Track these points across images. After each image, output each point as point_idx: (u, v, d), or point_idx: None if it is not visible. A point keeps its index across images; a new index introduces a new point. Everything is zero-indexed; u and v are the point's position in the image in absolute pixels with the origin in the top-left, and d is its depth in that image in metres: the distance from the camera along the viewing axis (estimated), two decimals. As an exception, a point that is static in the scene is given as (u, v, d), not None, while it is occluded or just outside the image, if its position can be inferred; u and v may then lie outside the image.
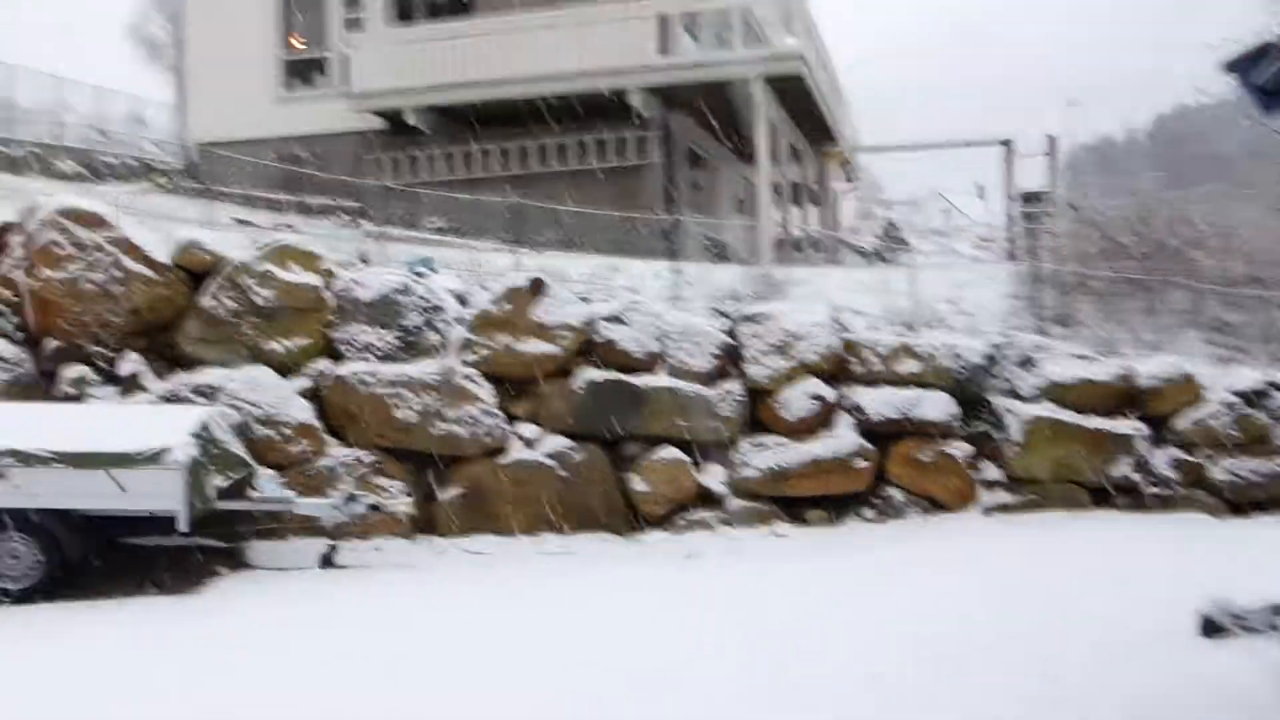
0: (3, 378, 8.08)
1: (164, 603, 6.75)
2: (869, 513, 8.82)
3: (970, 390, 9.14)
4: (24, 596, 6.72)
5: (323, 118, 17.44)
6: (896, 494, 8.88)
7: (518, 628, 5.84)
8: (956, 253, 19.89)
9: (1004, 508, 8.80)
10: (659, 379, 8.89)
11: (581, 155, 16.26)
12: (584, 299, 9.28)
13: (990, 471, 8.94)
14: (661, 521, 8.64)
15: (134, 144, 23.38)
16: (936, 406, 8.97)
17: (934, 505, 8.88)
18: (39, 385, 8.24)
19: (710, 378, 9.02)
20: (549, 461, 8.56)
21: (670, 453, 8.72)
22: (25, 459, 6.70)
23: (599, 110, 15.91)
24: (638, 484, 8.64)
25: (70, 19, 39.28)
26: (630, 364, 8.91)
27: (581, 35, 15.88)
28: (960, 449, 8.95)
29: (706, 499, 8.73)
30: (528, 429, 8.72)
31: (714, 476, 8.79)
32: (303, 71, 18.55)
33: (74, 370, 8.30)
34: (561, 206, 14.55)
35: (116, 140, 23.20)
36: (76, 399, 8.18)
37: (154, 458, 6.79)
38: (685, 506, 8.69)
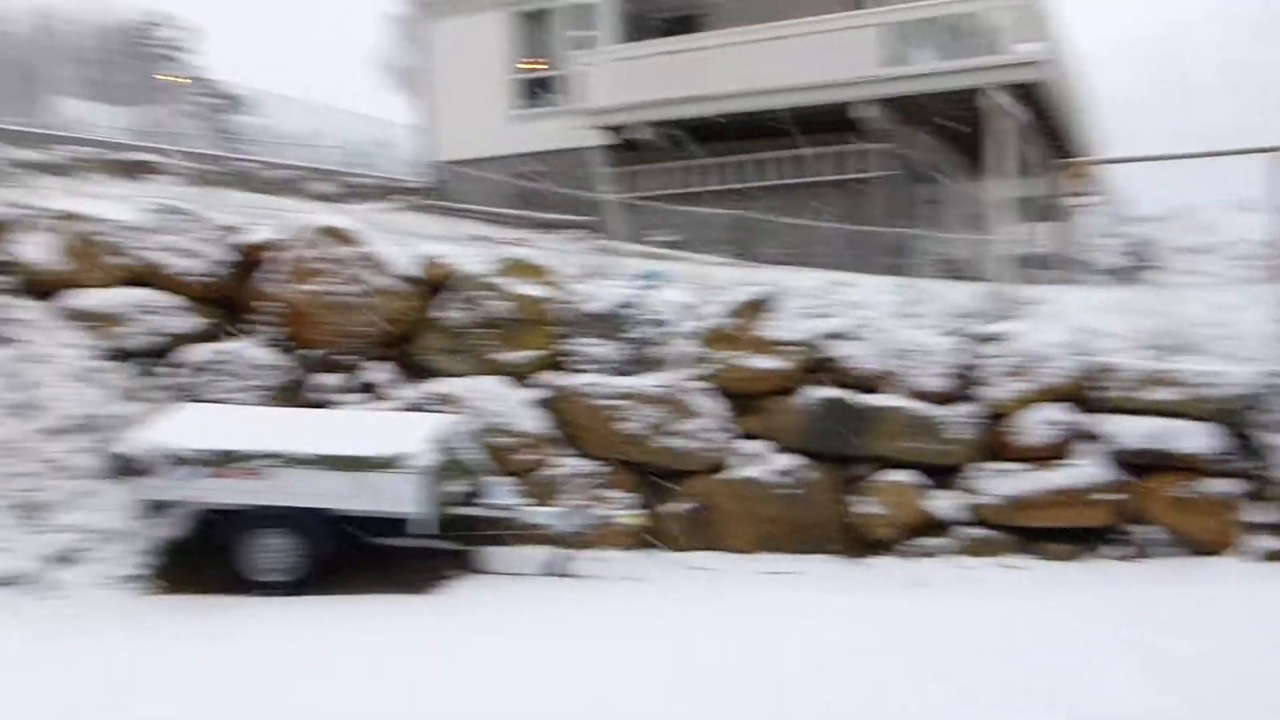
0: (269, 383, 8.72)
1: (404, 601, 7.05)
2: (1113, 550, 8.21)
3: (1235, 423, 8.35)
4: (289, 589, 7.19)
5: (552, 135, 18.02)
6: (1145, 531, 8.22)
7: (751, 647, 5.75)
8: (1213, 272, 18.33)
9: (1274, 555, 7.99)
10: (889, 398, 8.62)
11: (807, 168, 16.06)
12: (812, 315, 9.11)
13: (1258, 514, 8.13)
14: (888, 546, 8.35)
15: (380, 165, 24.95)
16: (1194, 439, 8.24)
17: (1188, 546, 8.15)
18: (296, 391, 8.85)
19: (942, 399, 8.67)
20: (775, 479, 8.44)
21: (899, 475, 8.43)
22: (287, 460, 7.18)
23: (825, 123, 15.66)
24: (865, 506, 8.40)
25: (318, 51, 42.56)
26: (859, 382, 8.69)
27: (807, 47, 15.69)
28: (1222, 487, 8.18)
29: (935, 525, 8.37)
30: (753, 445, 8.63)
31: (944, 502, 8.43)
32: (533, 91, 19.22)
33: (326, 377, 8.86)
34: (787, 220, 14.40)
35: (365, 161, 24.83)
36: (328, 405, 8.72)
37: (396, 462, 7.12)
38: (913, 531, 8.37)
